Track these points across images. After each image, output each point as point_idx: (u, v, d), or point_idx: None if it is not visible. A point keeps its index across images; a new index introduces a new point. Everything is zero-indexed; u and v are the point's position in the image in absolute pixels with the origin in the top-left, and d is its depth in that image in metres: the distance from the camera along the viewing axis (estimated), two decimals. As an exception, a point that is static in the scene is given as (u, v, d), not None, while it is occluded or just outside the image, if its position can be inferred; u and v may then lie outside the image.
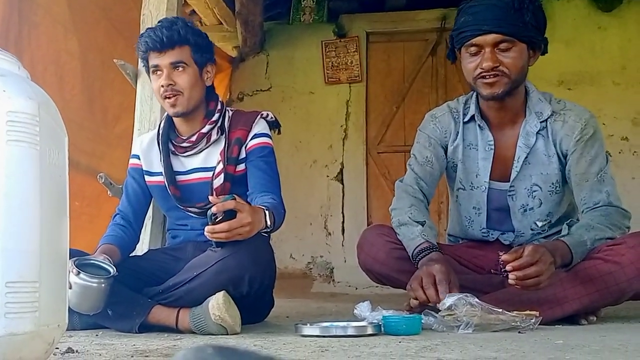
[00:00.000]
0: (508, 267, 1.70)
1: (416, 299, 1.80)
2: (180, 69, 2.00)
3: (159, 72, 2.01)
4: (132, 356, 1.34)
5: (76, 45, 2.89)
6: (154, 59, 2.01)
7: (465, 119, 2.10)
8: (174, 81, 1.99)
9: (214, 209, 1.62)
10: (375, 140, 4.91)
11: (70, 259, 1.17)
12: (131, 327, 1.79)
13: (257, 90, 5.00)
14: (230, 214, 1.63)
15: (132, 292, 1.85)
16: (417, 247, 1.93)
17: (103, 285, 1.71)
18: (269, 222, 1.77)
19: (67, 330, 1.20)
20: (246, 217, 1.64)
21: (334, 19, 4.98)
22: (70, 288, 1.66)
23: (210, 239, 1.67)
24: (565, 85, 4.55)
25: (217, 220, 1.62)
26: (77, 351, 1.40)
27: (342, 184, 4.86)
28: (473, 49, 1.92)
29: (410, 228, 1.99)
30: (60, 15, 2.78)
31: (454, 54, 2.06)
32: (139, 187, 2.15)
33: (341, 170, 4.87)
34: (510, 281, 1.72)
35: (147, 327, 1.80)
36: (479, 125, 2.07)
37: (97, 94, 3.06)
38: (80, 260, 1.73)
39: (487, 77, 1.91)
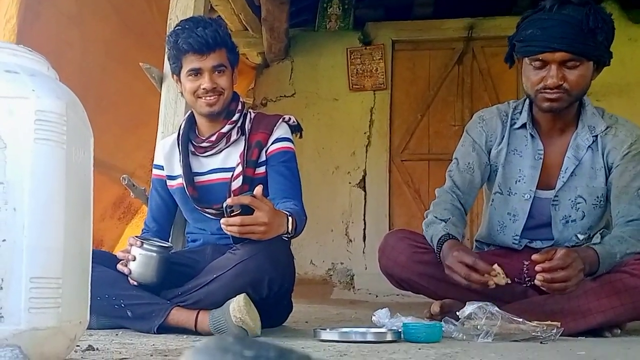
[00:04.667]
0: (537, 268, 1.68)
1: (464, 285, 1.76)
2: (221, 71, 2.02)
3: (197, 75, 2.01)
4: (151, 355, 1.36)
5: (77, 35, 2.94)
6: (195, 62, 1.99)
7: (517, 126, 2.09)
8: (217, 83, 2.01)
9: (228, 201, 1.64)
10: (399, 148, 4.89)
11: (93, 260, 1.18)
12: (150, 328, 1.80)
13: (281, 96, 5.03)
14: (247, 211, 1.63)
15: (151, 294, 1.86)
16: (438, 241, 1.91)
17: (163, 255, 1.87)
18: (290, 228, 1.77)
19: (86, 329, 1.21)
20: (263, 216, 1.63)
21: (359, 26, 5.00)
22: (134, 260, 1.82)
23: (225, 231, 1.68)
24: (594, 96, 4.45)
25: (232, 214, 1.64)
26: (97, 349, 1.41)
27: (365, 190, 4.85)
28: (538, 63, 1.89)
29: (435, 226, 1.97)
30: (65, 7, 2.83)
31: (512, 59, 2.04)
32: (162, 201, 2.18)
33: (364, 177, 4.86)
34: (536, 282, 1.69)
35: (166, 329, 1.81)
36: (530, 134, 2.06)
37: (94, 82, 3.10)
38: (139, 237, 1.90)
39: (549, 92, 1.90)
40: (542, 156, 2.04)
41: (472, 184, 2.11)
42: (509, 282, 1.73)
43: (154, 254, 1.84)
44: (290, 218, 1.77)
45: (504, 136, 2.10)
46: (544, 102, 1.93)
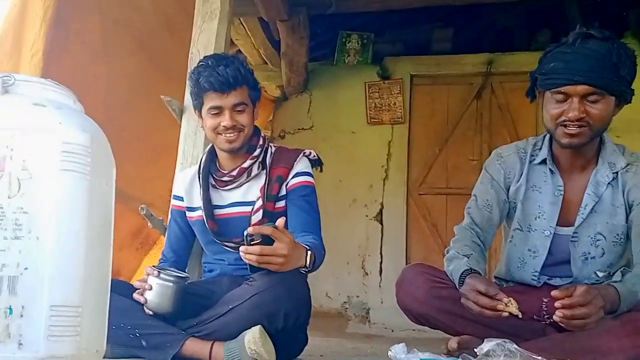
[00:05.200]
0: (557, 304, 1.65)
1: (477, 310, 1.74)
2: (242, 109, 2.04)
3: (218, 112, 2.02)
4: (166, 387, 1.35)
5: (103, 70, 3.03)
6: (215, 100, 2.01)
7: (536, 161, 2.08)
8: (237, 121, 2.03)
9: (249, 230, 1.65)
10: (417, 181, 4.89)
11: (111, 289, 1.19)
12: (164, 359, 1.80)
13: (299, 129, 5.07)
14: (267, 241, 1.63)
15: (166, 324, 1.87)
16: (460, 276, 1.89)
17: (180, 285, 1.88)
18: (308, 262, 1.77)
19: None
20: (282, 248, 1.63)
21: (378, 60, 5.04)
22: (151, 289, 1.84)
23: (243, 259, 1.67)
24: (614, 132, 4.37)
25: (252, 242, 1.64)
26: (113, 379, 1.41)
27: (382, 224, 4.83)
28: (560, 96, 1.88)
29: (458, 261, 1.95)
30: (92, 42, 2.93)
31: (533, 94, 2.05)
32: (180, 232, 2.20)
33: (381, 210, 4.85)
34: (555, 318, 1.66)
35: (180, 360, 1.81)
36: (550, 169, 2.05)
37: (118, 115, 3.16)
38: (156, 266, 1.91)
39: (570, 126, 1.89)
40: (562, 192, 2.03)
41: (491, 221, 2.10)
42: (520, 315, 1.71)
43: (171, 284, 1.86)
44: (309, 252, 1.77)
45: (522, 173, 2.09)
46: (563, 137, 1.92)
